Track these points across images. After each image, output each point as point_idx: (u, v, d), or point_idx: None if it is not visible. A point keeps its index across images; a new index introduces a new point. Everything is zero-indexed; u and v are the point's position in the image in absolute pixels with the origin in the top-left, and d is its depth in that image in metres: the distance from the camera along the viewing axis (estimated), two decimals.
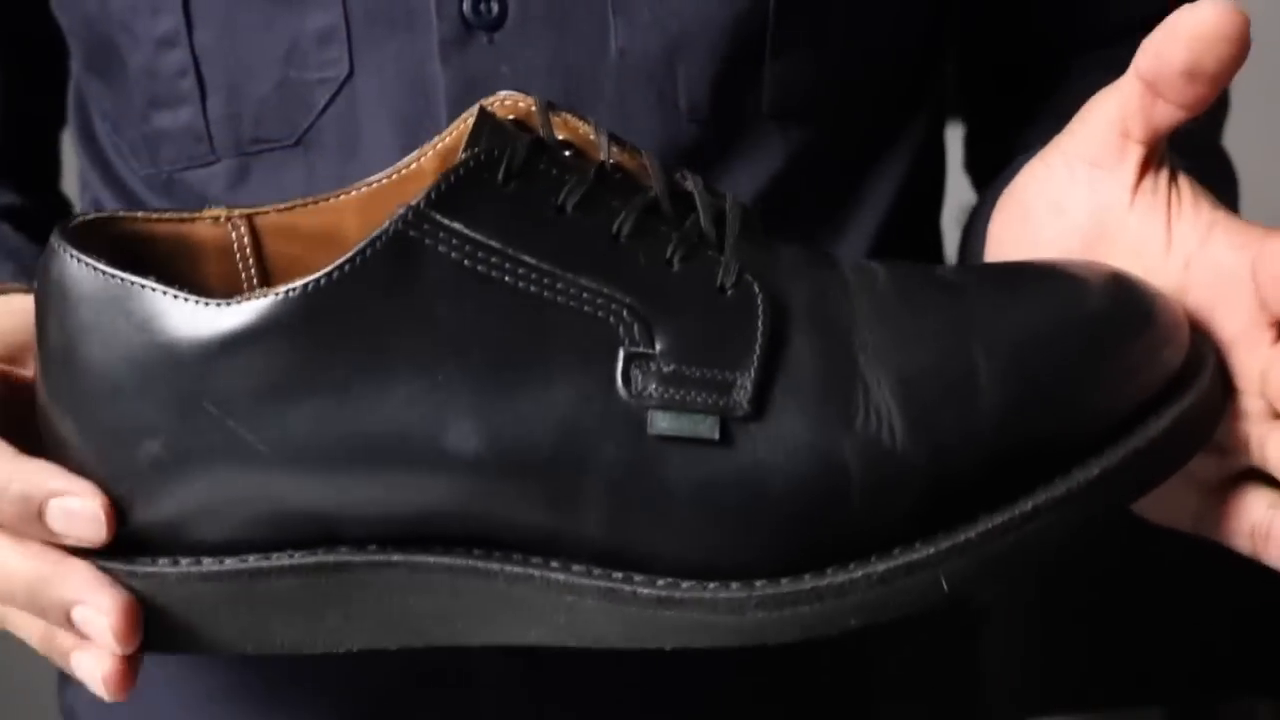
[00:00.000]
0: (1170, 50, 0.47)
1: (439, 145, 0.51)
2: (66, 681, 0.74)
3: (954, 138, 0.76)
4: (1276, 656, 1.08)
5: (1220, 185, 0.60)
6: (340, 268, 0.44)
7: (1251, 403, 0.48)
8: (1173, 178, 0.50)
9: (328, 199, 0.52)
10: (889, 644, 0.72)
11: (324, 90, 0.61)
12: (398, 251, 0.45)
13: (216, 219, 0.51)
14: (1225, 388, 0.48)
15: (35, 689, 1.00)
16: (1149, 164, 0.50)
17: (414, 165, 0.51)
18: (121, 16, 0.62)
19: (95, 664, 0.47)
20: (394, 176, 0.51)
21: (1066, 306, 0.47)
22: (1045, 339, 0.46)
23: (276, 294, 0.45)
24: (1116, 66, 0.69)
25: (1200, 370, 0.47)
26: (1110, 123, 0.50)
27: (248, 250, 0.52)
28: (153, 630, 0.47)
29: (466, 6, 0.60)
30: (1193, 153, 0.54)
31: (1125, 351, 0.46)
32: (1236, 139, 0.68)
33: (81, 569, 0.47)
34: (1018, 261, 0.51)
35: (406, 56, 0.60)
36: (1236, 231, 0.49)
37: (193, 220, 0.51)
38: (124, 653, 0.47)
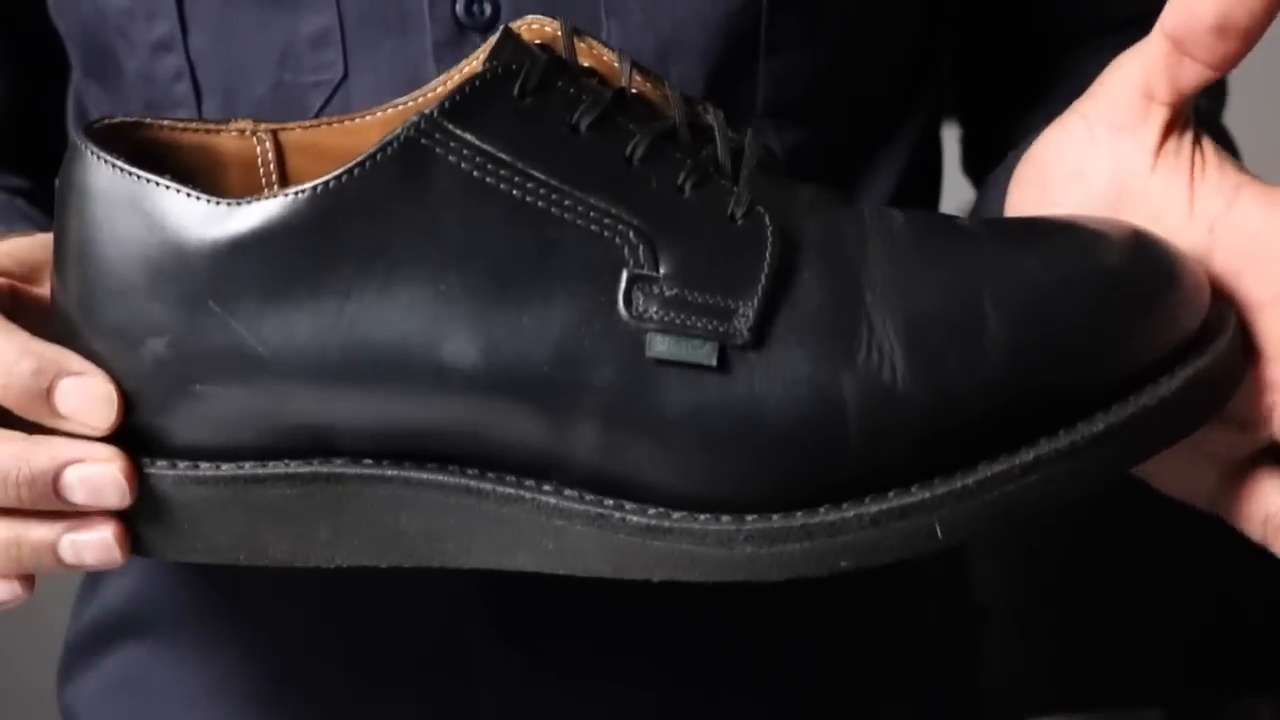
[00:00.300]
0: (1200, 4, 0.46)
1: (465, 69, 0.51)
2: (67, 681, 0.75)
3: (951, 139, 0.75)
4: (1277, 656, 1.06)
5: None
6: (350, 171, 0.45)
7: (1277, 371, 0.47)
8: (1196, 141, 0.49)
9: (353, 119, 0.52)
10: (889, 643, 0.72)
11: (319, 93, 0.61)
12: (408, 159, 0.44)
13: (242, 131, 0.52)
14: (1246, 354, 0.47)
15: (35, 689, 0.99)
16: (1172, 127, 0.48)
17: (439, 88, 0.51)
18: (117, 22, 0.63)
19: (97, 531, 0.47)
20: (419, 99, 0.51)
21: (1083, 261, 0.46)
22: (1058, 291, 0.45)
23: (286, 194, 0.45)
24: (1117, 54, 0.68)
25: (1219, 334, 0.46)
26: (1133, 85, 0.48)
27: (271, 165, 0.52)
28: (146, 533, 0.47)
29: (460, 8, 0.60)
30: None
31: (1140, 309, 0.45)
32: (1236, 140, 0.67)
33: (60, 439, 0.46)
34: (1039, 216, 0.50)
35: (401, 58, 0.60)
36: (1266, 194, 0.47)
37: (218, 131, 0.51)
38: (130, 501, 0.46)
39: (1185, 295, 0.46)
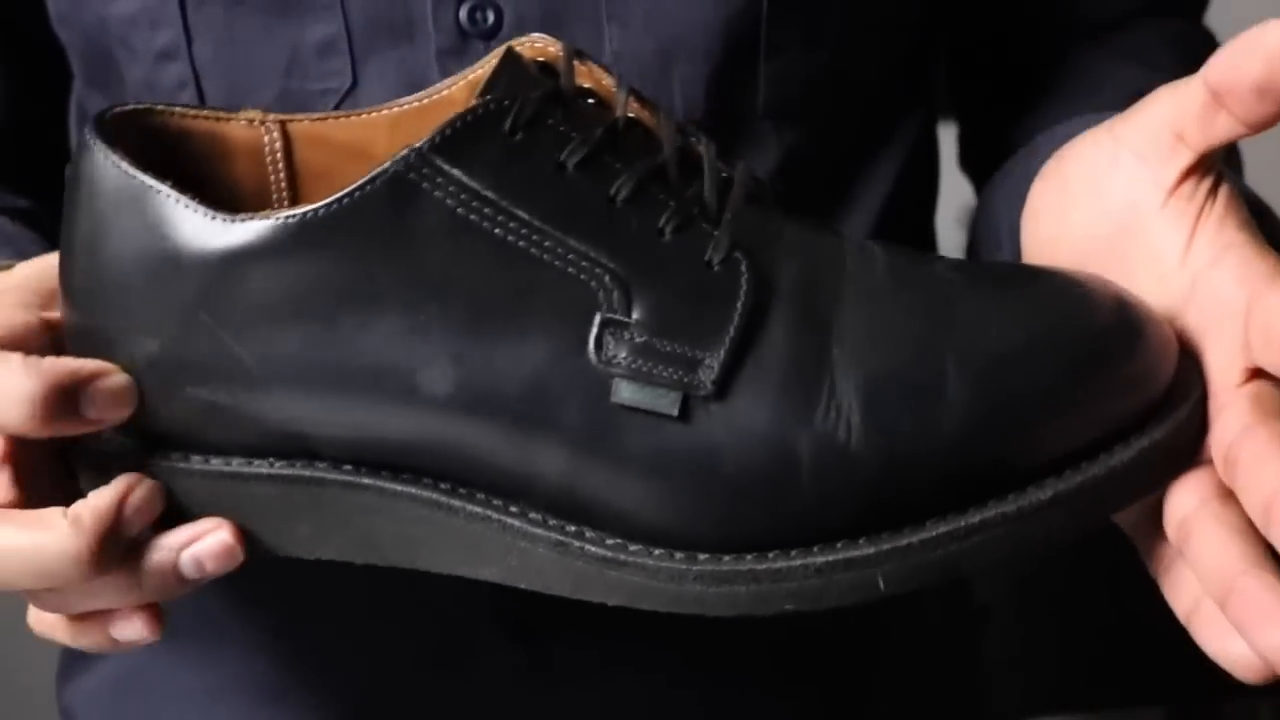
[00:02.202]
0: (1247, 62, 0.45)
1: (471, 76, 0.52)
2: (66, 681, 0.76)
3: (950, 137, 0.75)
4: None
5: (1228, 158, 0.59)
6: (339, 200, 0.46)
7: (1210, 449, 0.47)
8: (1214, 189, 0.49)
9: (361, 114, 0.53)
10: (889, 643, 0.73)
11: (327, 101, 0.62)
12: (395, 192, 0.46)
13: (251, 121, 0.53)
14: (1203, 427, 0.47)
15: (35, 689, 1.00)
16: (1194, 170, 0.48)
17: (445, 92, 0.52)
18: (120, 31, 0.63)
19: (214, 537, 0.48)
20: (425, 100, 0.52)
21: (1052, 324, 0.46)
22: (1021, 357, 0.46)
23: (277, 218, 0.46)
24: (1113, 52, 0.67)
25: (1182, 402, 0.47)
26: (1164, 122, 0.48)
27: (279, 155, 0.53)
28: None
29: (463, 15, 0.60)
30: None
31: (1102, 378, 0.46)
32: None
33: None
34: (1025, 265, 0.51)
35: (407, 66, 0.61)
36: (1246, 263, 0.47)
37: (228, 120, 0.53)
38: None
39: (1150, 366, 0.46)
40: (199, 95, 0.63)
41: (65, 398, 0.46)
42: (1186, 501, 0.46)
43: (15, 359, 0.47)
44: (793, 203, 0.48)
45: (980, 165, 0.73)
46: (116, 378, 0.48)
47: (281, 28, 0.61)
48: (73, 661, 0.76)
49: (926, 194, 0.74)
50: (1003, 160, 0.65)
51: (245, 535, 0.49)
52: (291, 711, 0.69)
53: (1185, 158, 0.48)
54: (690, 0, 0.61)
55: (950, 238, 0.72)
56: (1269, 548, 0.43)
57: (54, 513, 0.47)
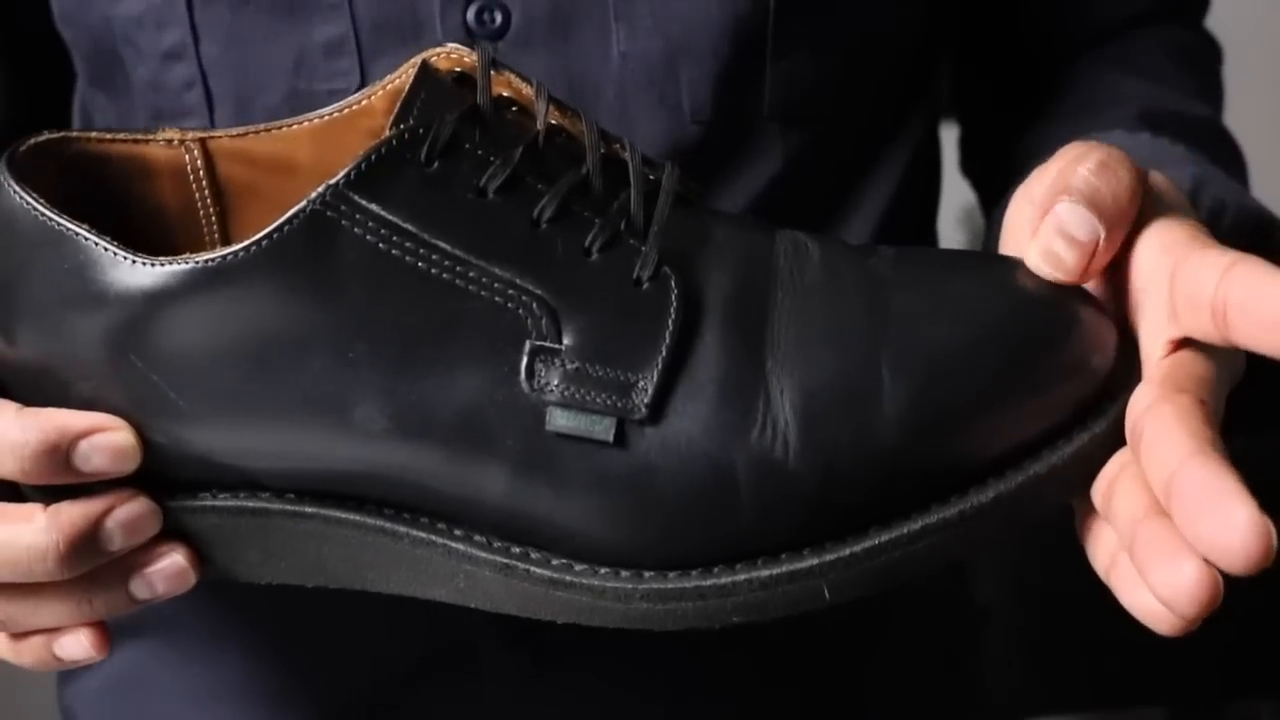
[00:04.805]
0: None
1: (388, 85, 0.51)
2: (66, 681, 0.76)
3: (951, 139, 0.74)
4: (1277, 657, 1.06)
5: (1230, 169, 0.58)
6: (258, 242, 0.45)
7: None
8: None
9: (280, 127, 0.52)
10: (889, 644, 0.73)
11: (335, 100, 0.59)
12: (314, 231, 0.45)
13: (170, 141, 0.52)
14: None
15: (35, 689, 0.99)
16: None
17: (365, 101, 0.51)
18: (126, 31, 0.62)
19: (168, 560, 0.49)
20: (345, 110, 0.52)
21: (987, 318, 0.46)
22: (957, 357, 0.45)
23: (196, 261, 0.46)
24: (1116, 64, 0.66)
25: (1120, 394, 0.46)
26: (1055, 191, 0.47)
27: (201, 173, 0.52)
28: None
29: (470, 16, 0.60)
30: (1205, 142, 0.52)
31: (1041, 370, 0.46)
32: (1237, 138, 0.66)
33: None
34: (959, 252, 0.50)
35: None
36: (1167, 231, 0.46)
37: (147, 141, 0.52)
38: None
39: (1087, 351, 0.46)
40: (206, 95, 0.62)
41: (56, 453, 0.47)
42: (1111, 466, 0.45)
43: (10, 409, 0.47)
44: (796, 204, 0.47)
45: (982, 175, 0.73)
46: (113, 435, 0.47)
47: (288, 28, 0.60)
48: None
49: (929, 195, 0.74)
50: (1005, 173, 0.64)
51: (195, 559, 0.49)
52: (291, 713, 0.69)
53: None
54: (698, 0, 0.60)
55: (951, 238, 0.72)
56: None
57: (35, 507, 0.47)
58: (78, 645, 0.50)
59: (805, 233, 0.50)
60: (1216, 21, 0.74)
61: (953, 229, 0.70)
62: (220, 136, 0.52)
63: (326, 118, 0.51)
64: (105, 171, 0.51)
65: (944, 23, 0.70)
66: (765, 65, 0.62)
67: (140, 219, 0.52)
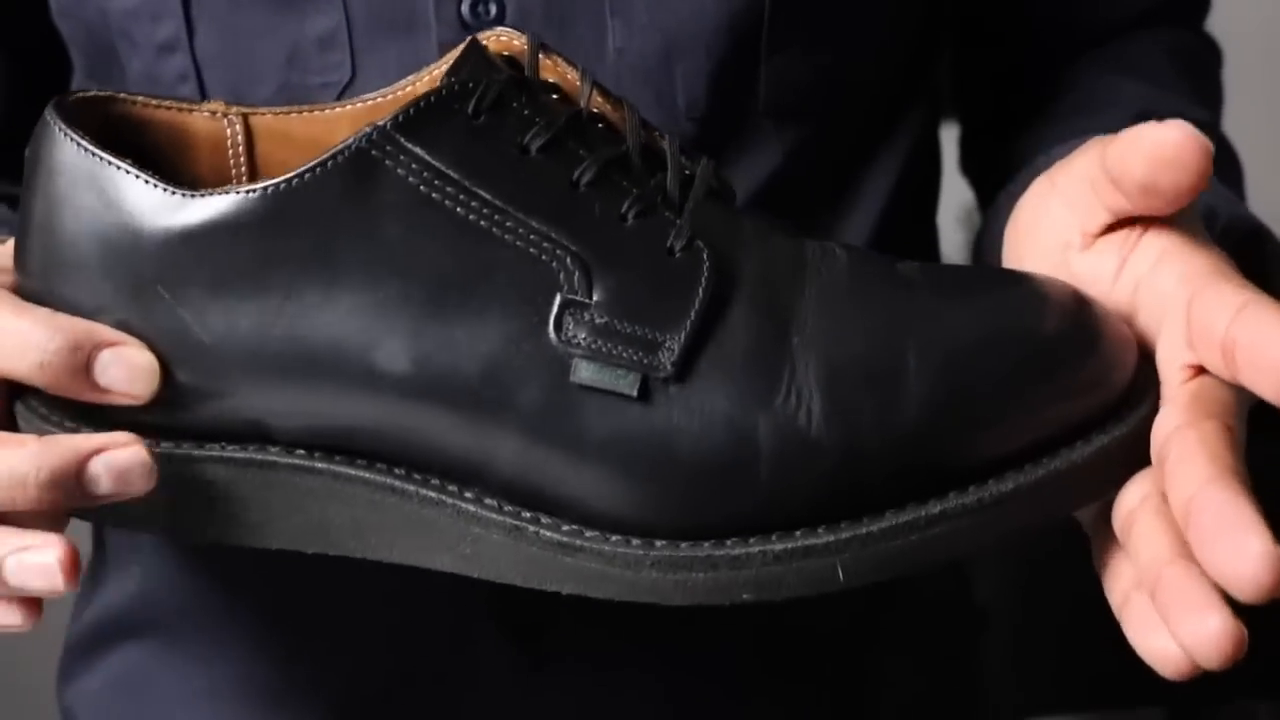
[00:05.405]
0: (1131, 161, 0.46)
1: (435, 71, 0.52)
2: (66, 681, 0.75)
3: (951, 139, 0.76)
4: (1277, 657, 1.05)
5: (1225, 175, 0.59)
6: (300, 175, 0.46)
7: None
8: (1149, 224, 0.49)
9: (323, 109, 0.53)
10: (889, 643, 0.72)
11: (327, 94, 0.61)
12: (358, 167, 0.46)
13: (214, 113, 0.53)
14: None
15: (35, 689, 0.98)
16: (1117, 226, 0.49)
17: (409, 87, 0.52)
18: (121, 23, 0.63)
19: (48, 552, 0.45)
20: (389, 96, 0.52)
21: (1012, 320, 0.46)
22: (981, 350, 0.46)
23: (238, 192, 0.46)
24: (1116, 65, 0.67)
25: (1143, 400, 0.47)
26: (1083, 179, 0.49)
27: (240, 148, 0.53)
28: None
29: (465, 9, 0.61)
30: None
31: (1062, 375, 0.46)
32: (1237, 139, 0.67)
33: (70, 435, 0.46)
34: (984, 266, 0.51)
35: (407, 59, 0.60)
36: (1186, 261, 0.47)
37: (190, 111, 0.53)
38: (154, 483, 0.46)
39: (1109, 363, 0.46)
40: (200, 88, 0.63)
41: (78, 353, 0.46)
42: (1133, 495, 0.45)
43: (43, 313, 0.47)
44: (793, 201, 0.48)
45: (981, 175, 0.74)
46: (137, 351, 0.47)
47: (282, 20, 0.61)
48: (73, 661, 0.74)
49: (928, 194, 0.74)
50: (1002, 172, 0.65)
51: (194, 522, 0.48)
52: (291, 712, 0.67)
53: (1103, 217, 0.49)
54: None
55: (951, 238, 0.72)
56: None
57: (30, 437, 0.46)
58: (10, 616, 0.47)
59: (830, 242, 0.51)
60: (1216, 22, 0.75)
61: (953, 229, 0.70)
62: (264, 113, 0.53)
63: (370, 102, 0.52)
64: (144, 137, 0.52)
65: (941, 19, 0.71)
66: (760, 62, 0.62)
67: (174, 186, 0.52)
